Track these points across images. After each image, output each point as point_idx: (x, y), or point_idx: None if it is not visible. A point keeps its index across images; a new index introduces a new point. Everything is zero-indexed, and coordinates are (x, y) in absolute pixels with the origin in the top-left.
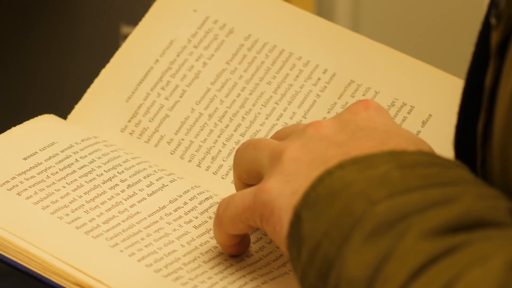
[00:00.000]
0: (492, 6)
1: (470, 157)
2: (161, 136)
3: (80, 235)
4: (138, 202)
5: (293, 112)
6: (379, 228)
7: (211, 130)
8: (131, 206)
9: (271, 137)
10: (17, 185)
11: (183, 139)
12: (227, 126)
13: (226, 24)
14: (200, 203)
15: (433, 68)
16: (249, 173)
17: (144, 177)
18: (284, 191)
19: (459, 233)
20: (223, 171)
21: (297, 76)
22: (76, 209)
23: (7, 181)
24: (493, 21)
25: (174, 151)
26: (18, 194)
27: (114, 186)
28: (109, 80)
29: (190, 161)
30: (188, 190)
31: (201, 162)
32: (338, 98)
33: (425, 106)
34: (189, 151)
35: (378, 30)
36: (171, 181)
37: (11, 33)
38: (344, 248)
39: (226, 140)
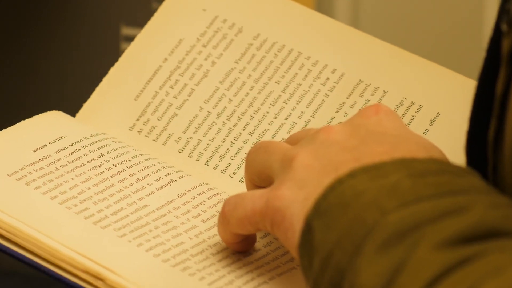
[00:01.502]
0: (503, 12)
1: (481, 163)
2: (169, 134)
3: (88, 225)
4: (147, 195)
5: (302, 112)
6: (391, 238)
7: (219, 128)
8: (140, 199)
9: (285, 142)
10: (25, 176)
11: (191, 138)
12: (235, 125)
13: (235, 23)
14: (208, 198)
15: (440, 67)
16: (259, 176)
17: (153, 172)
18: (296, 197)
19: (472, 244)
20: (231, 170)
21: (306, 76)
22: (85, 200)
23: (16, 172)
24: (504, 27)
25: (182, 150)
26: (27, 184)
27: (122, 180)
28: (118, 79)
29: (198, 159)
30: (197, 186)
31: (209, 160)
32: (347, 98)
33: (433, 104)
34: (197, 149)
35: (378, 27)
36: (179, 177)
37: (11, 35)
38: (356, 258)
39: (234, 139)
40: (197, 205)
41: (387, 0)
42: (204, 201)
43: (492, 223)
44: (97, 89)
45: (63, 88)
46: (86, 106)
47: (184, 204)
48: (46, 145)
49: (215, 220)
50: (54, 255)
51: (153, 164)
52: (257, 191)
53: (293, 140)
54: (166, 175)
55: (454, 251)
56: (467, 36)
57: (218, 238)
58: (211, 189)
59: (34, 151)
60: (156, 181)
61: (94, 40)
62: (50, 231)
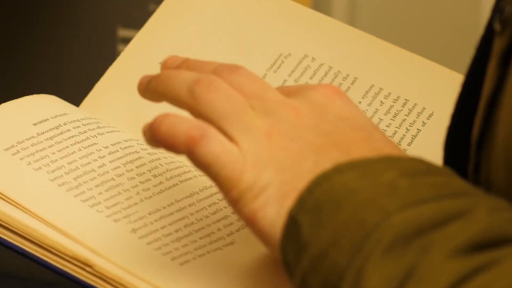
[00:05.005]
0: (496, 11)
1: (460, 161)
2: None
3: (77, 202)
4: (141, 183)
5: None
6: (397, 242)
7: None
8: (133, 187)
9: (238, 77)
10: (19, 151)
11: None
12: None
13: (233, 25)
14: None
15: (437, 65)
16: (199, 117)
17: (150, 161)
18: (273, 179)
19: (484, 251)
20: None
21: (302, 74)
22: (78, 176)
23: (13, 146)
24: (497, 27)
25: None
26: (21, 159)
27: (117, 167)
28: (114, 81)
29: None
30: (210, 186)
31: None
32: None
33: (428, 103)
34: None
35: (374, 26)
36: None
37: (9, 36)
38: (357, 259)
39: None
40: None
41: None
42: (205, 207)
43: (500, 229)
44: (93, 91)
45: (60, 89)
46: (86, 103)
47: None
48: (48, 119)
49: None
50: (43, 241)
51: (151, 153)
52: (227, 145)
53: (246, 92)
54: (160, 161)
55: (468, 259)
56: (463, 34)
57: (211, 228)
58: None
59: (35, 124)
60: (149, 166)
61: (91, 42)
62: (39, 208)
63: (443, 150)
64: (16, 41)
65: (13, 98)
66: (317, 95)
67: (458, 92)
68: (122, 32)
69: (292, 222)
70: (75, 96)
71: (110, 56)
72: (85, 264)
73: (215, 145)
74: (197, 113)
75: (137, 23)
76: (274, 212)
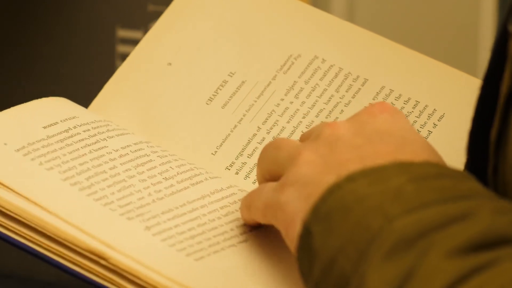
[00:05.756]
0: (511, 13)
1: (482, 164)
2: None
3: (90, 201)
4: (153, 184)
5: (307, 111)
6: (399, 245)
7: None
8: (145, 188)
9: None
10: (30, 152)
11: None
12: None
13: (237, 25)
14: (227, 196)
15: (447, 66)
16: (270, 172)
17: (160, 163)
18: (300, 194)
19: (483, 252)
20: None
21: (312, 75)
22: (90, 177)
23: (23, 147)
24: (511, 29)
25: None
26: (32, 160)
27: (128, 169)
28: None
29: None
30: (221, 189)
31: (232, 166)
32: (352, 97)
33: (438, 104)
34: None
35: (373, 23)
36: (179, 165)
37: (7, 36)
38: (361, 264)
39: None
40: (203, 196)
41: None
42: (221, 198)
43: (501, 230)
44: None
45: (59, 90)
46: (94, 104)
47: (197, 200)
48: (58, 123)
49: (216, 213)
50: (58, 235)
51: (161, 156)
52: (269, 185)
53: (303, 137)
54: (171, 164)
55: (466, 259)
56: (462, 32)
57: (224, 228)
58: (231, 187)
59: (44, 127)
60: (163, 172)
61: (90, 42)
62: (53, 205)
63: (466, 154)
64: (14, 41)
65: (12, 100)
66: (363, 112)
67: (477, 95)
68: (121, 33)
69: (306, 232)
70: (74, 96)
71: (109, 57)
72: (100, 257)
73: (261, 189)
74: (261, 170)
75: (136, 24)
76: (298, 225)
